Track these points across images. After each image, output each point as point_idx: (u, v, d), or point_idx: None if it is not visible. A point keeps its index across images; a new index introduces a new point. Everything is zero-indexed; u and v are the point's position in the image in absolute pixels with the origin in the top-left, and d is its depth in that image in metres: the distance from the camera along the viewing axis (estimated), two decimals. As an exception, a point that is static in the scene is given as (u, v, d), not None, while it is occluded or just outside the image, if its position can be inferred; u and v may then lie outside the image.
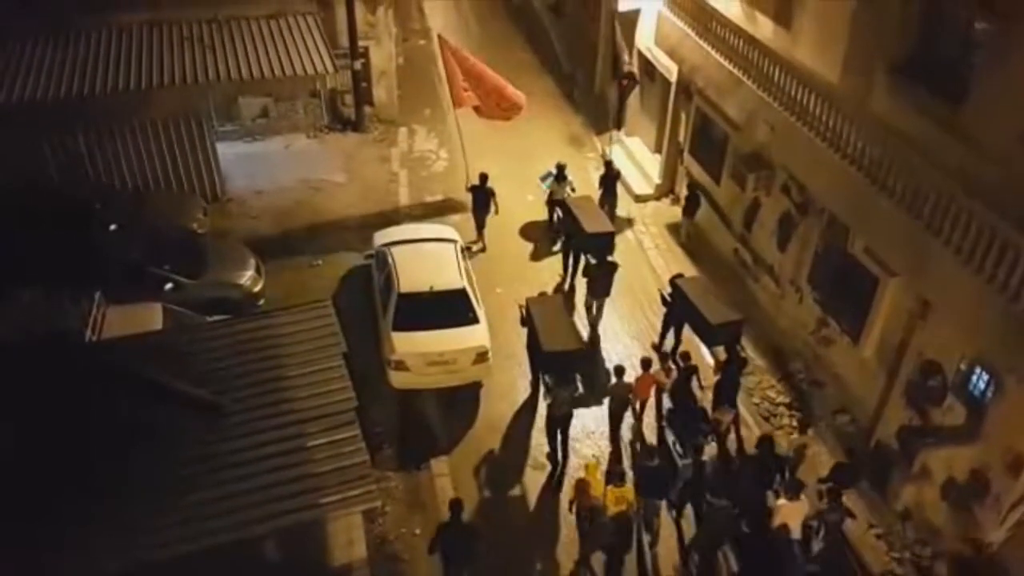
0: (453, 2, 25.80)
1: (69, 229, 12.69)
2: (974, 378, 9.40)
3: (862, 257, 11.06)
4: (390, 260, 12.71)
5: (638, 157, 18.09)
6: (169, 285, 12.60)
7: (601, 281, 13.31)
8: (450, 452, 11.50)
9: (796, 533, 9.78)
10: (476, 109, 16.10)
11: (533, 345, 11.80)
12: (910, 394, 10.42)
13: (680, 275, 13.13)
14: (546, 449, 11.38)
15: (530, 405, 12.24)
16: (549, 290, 14.08)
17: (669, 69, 16.13)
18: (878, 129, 10.33)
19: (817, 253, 12.34)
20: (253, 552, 7.47)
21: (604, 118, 18.85)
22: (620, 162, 18.00)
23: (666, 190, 17.16)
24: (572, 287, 14.54)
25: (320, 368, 8.61)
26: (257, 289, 13.29)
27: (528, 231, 16.03)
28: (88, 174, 15.16)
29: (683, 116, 16.25)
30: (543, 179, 15.86)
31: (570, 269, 14.55)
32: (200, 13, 16.39)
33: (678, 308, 12.45)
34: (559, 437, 11.17)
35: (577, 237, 13.99)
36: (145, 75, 14.85)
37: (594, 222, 13.74)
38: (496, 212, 15.31)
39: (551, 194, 15.65)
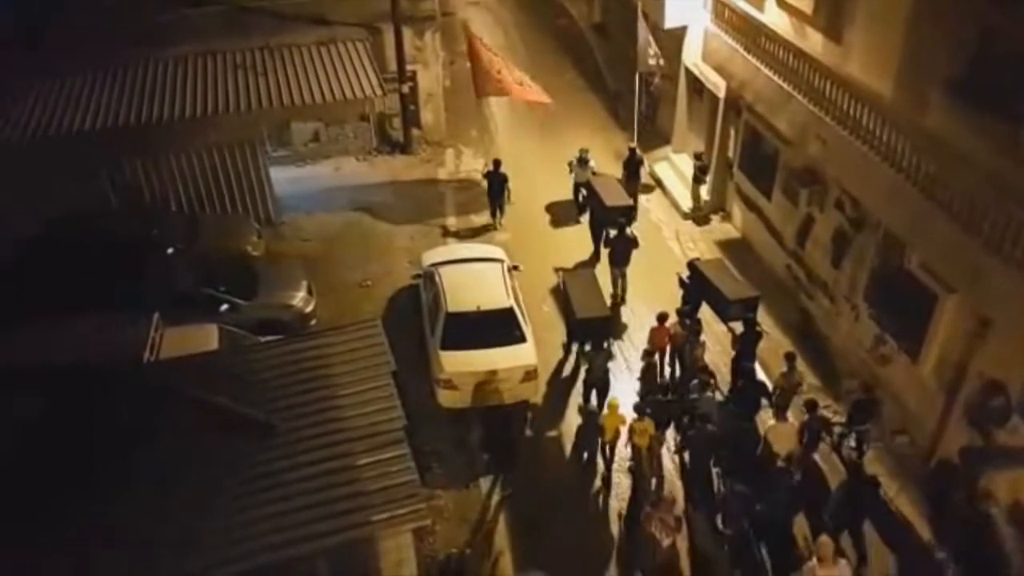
0: (500, 25, 26.07)
1: (128, 253, 13.15)
2: (1041, 398, 9.01)
3: (919, 273, 10.75)
4: (438, 280, 12.83)
5: (687, 174, 17.92)
6: (224, 306, 12.91)
7: (620, 251, 14.08)
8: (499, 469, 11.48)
9: (783, 453, 10.30)
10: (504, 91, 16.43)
11: (568, 313, 12.90)
12: (972, 414, 10.04)
13: (697, 259, 13.63)
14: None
15: (572, 378, 12.87)
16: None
17: (717, 85, 16.00)
18: (933, 144, 10.04)
19: (873, 269, 12.02)
20: (303, 571, 7.54)
21: (649, 135, 18.78)
22: (668, 179, 17.92)
23: (715, 207, 16.97)
24: (597, 257, 15.33)
25: (369, 387, 8.69)
26: (309, 309, 13.52)
27: (572, 243, 16.09)
28: (146, 200, 15.61)
29: (732, 132, 16.09)
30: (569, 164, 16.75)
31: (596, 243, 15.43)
32: (252, 42, 16.91)
33: (695, 288, 12.91)
34: (596, 398, 11.92)
35: (599, 211, 14.86)
36: (201, 103, 15.37)
37: (613, 196, 14.93)
38: (509, 199, 16.06)
39: (576, 178, 16.47)
